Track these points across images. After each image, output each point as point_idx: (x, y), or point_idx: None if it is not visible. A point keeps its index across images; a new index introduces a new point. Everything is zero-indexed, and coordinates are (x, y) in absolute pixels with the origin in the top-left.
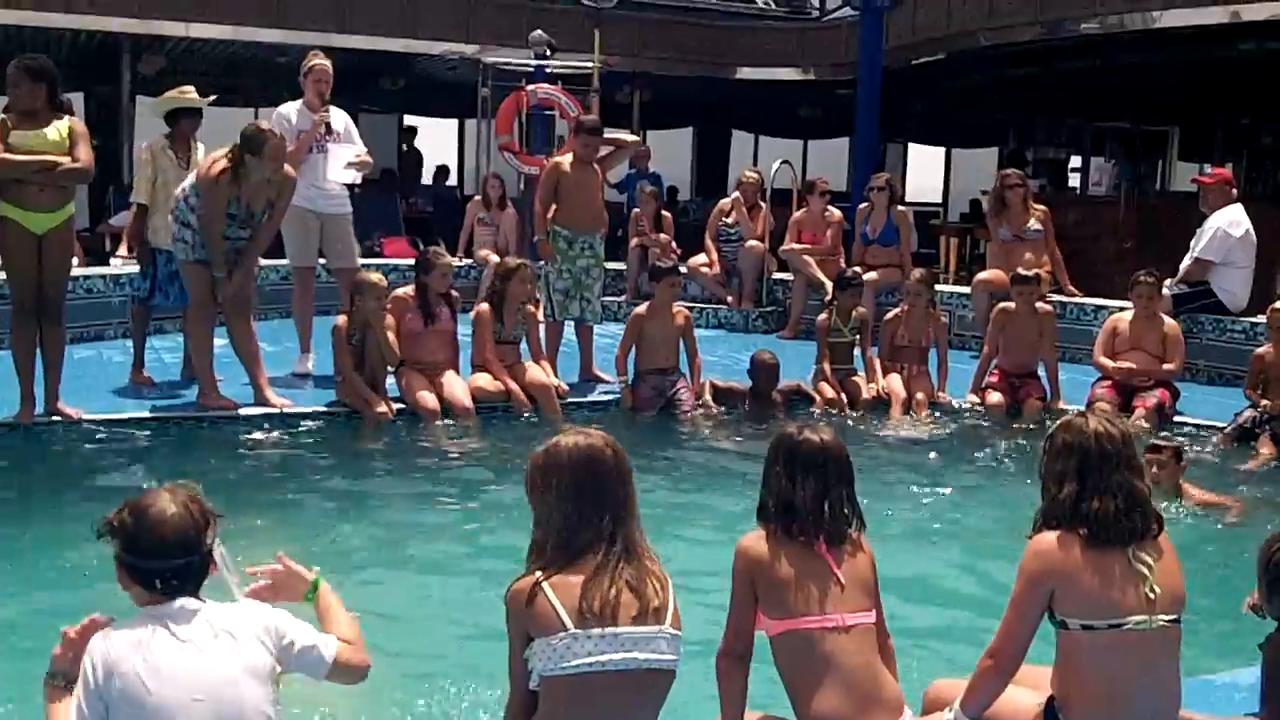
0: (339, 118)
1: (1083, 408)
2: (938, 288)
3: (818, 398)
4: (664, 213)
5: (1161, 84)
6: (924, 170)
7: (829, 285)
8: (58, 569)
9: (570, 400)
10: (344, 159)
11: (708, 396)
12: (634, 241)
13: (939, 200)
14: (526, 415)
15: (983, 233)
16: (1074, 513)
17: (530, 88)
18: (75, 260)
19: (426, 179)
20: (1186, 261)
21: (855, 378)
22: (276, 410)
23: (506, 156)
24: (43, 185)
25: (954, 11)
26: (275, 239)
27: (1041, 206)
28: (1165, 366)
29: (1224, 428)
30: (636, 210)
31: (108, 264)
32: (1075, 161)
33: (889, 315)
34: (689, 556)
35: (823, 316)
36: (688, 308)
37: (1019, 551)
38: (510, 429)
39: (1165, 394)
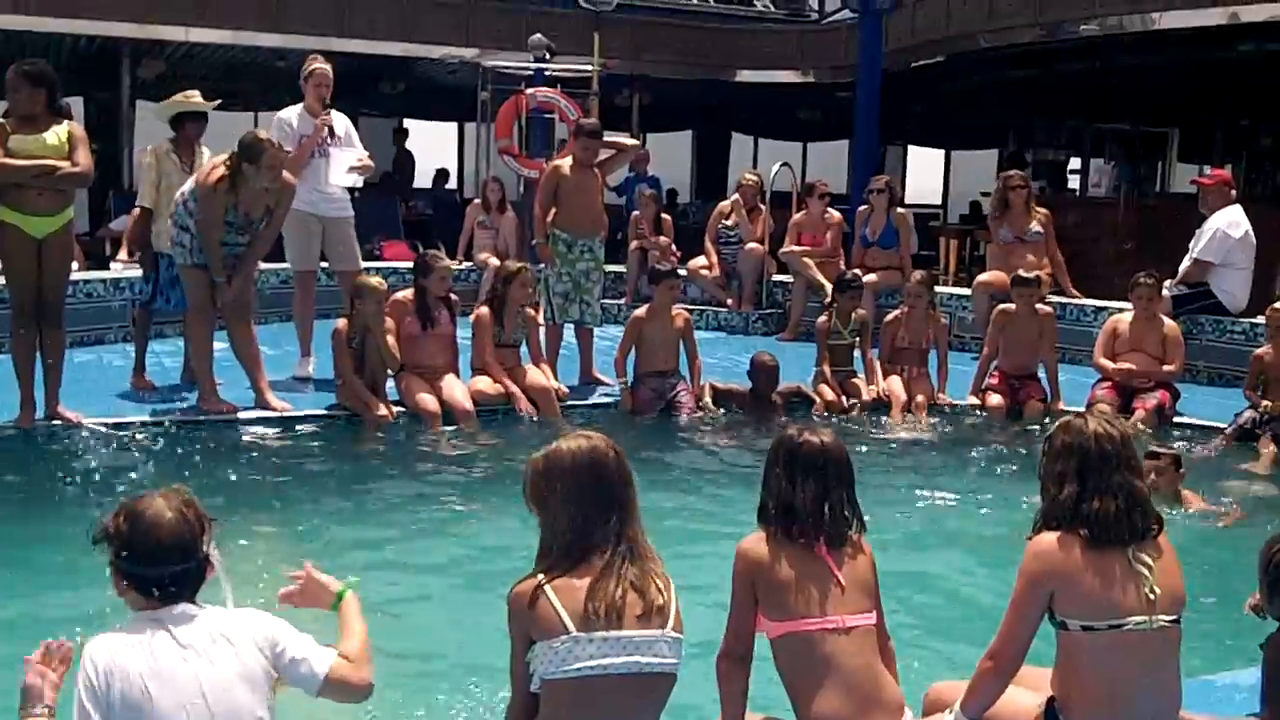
0: (340, 121)
1: (1083, 409)
2: (937, 289)
3: (818, 400)
4: (663, 215)
5: (1161, 86)
6: (923, 172)
7: (829, 287)
8: (59, 572)
9: (570, 403)
10: (346, 163)
11: (707, 399)
12: (633, 244)
13: (938, 202)
14: (527, 416)
15: (982, 234)
16: (1074, 513)
17: (530, 91)
18: (75, 264)
19: (420, 182)
20: (1186, 263)
21: (855, 380)
22: (277, 413)
23: (506, 160)
24: (42, 190)
25: (953, 13)
26: (274, 243)
27: (1044, 209)
28: (1165, 368)
29: (1224, 428)
30: (636, 213)
31: (108, 268)
32: (1075, 163)
33: (889, 317)
34: (689, 558)
35: (822, 319)
36: (687, 310)
37: (1019, 553)
38: (510, 431)
39: (1165, 395)
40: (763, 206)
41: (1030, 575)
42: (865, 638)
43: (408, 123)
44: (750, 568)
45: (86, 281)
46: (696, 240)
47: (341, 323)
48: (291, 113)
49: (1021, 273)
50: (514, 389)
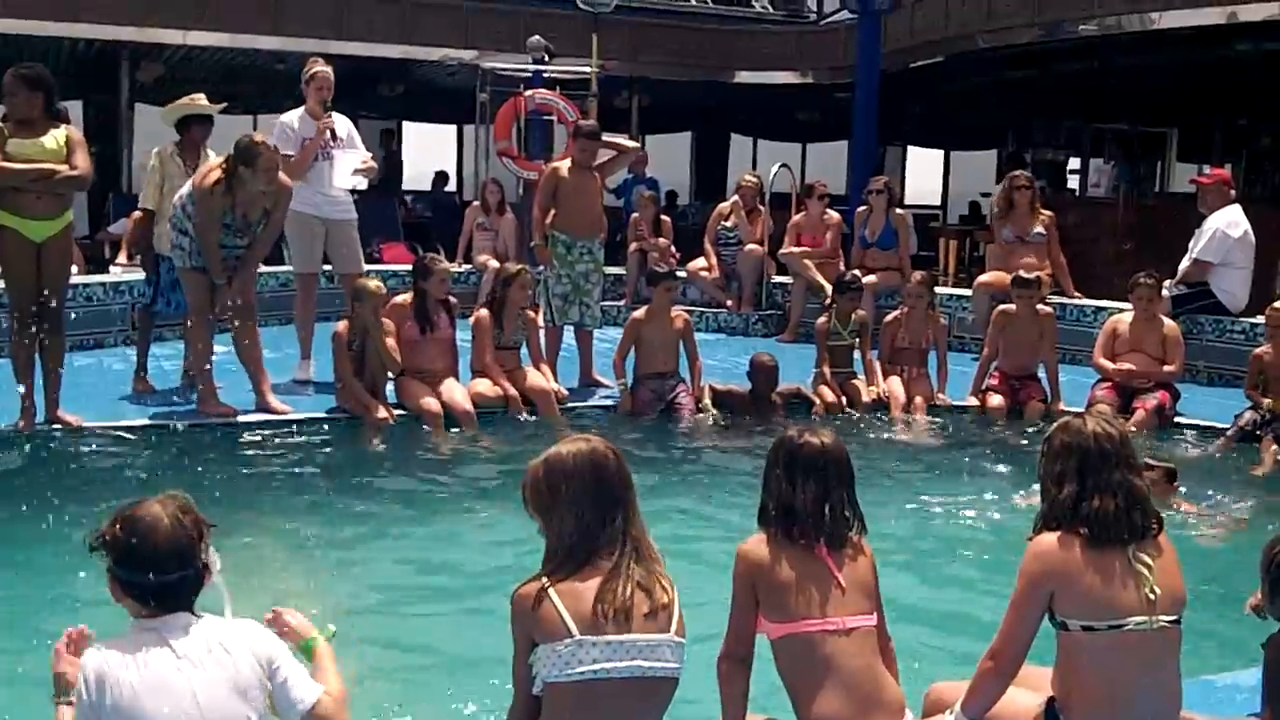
0: (342, 124)
1: (1083, 410)
2: (936, 290)
3: (817, 401)
4: (663, 217)
5: (1160, 85)
6: (923, 173)
7: (828, 288)
8: (59, 575)
9: (570, 405)
10: (349, 165)
11: (707, 400)
12: (633, 246)
13: (938, 203)
14: (527, 418)
15: (982, 235)
16: (1075, 513)
17: (528, 93)
18: (75, 268)
19: (419, 184)
20: (1185, 262)
21: (855, 381)
22: (277, 416)
23: (505, 162)
24: (40, 193)
25: (952, 14)
26: (273, 246)
27: (1048, 211)
28: (1165, 368)
29: (1226, 429)
30: (635, 215)
31: (107, 272)
32: (1074, 163)
33: (889, 318)
34: (689, 560)
35: (822, 320)
36: (687, 312)
37: (1019, 553)
38: (510, 433)
39: (1165, 395)
40: (762, 208)
41: (1030, 575)
42: (866, 639)
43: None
44: (751, 569)
45: (86, 285)
46: (696, 242)
47: (342, 325)
48: (293, 116)
49: (1022, 274)
50: (512, 391)
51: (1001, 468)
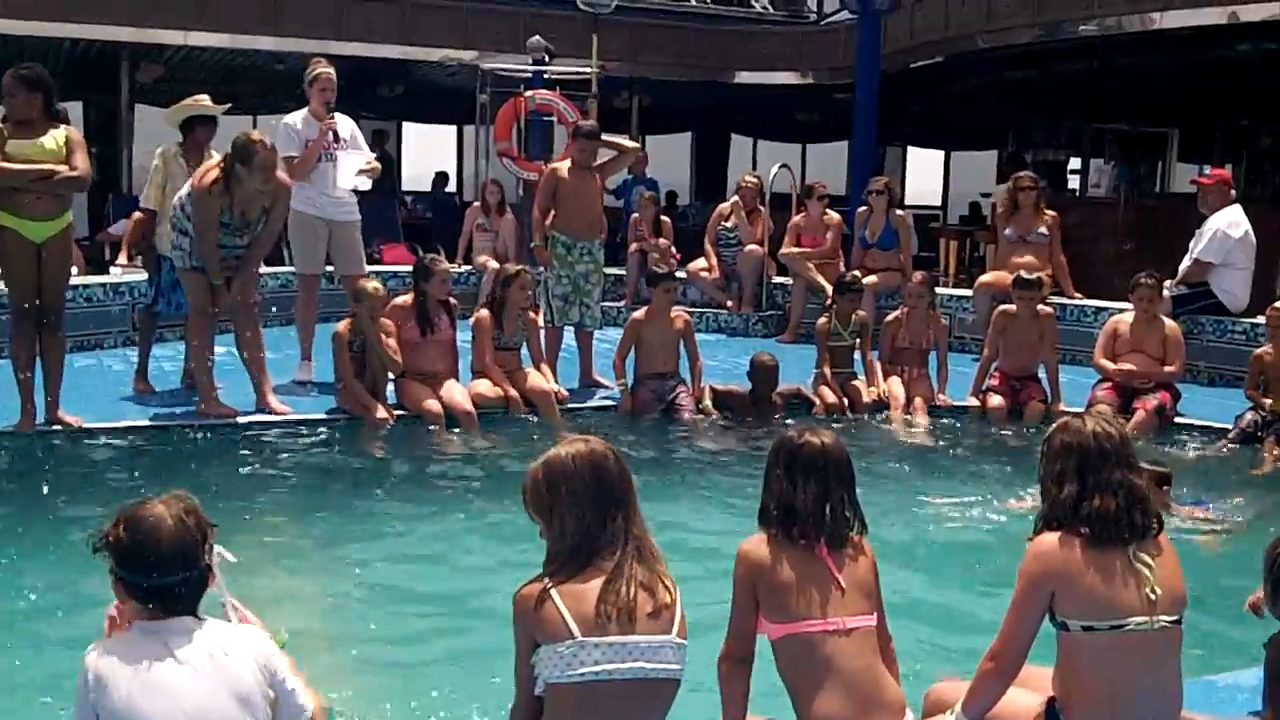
0: (345, 125)
1: (1083, 410)
2: (936, 290)
3: (818, 402)
4: (663, 218)
5: (1160, 86)
6: (923, 173)
7: (828, 289)
8: (58, 577)
9: (570, 405)
10: (353, 166)
11: (707, 401)
12: (633, 246)
13: (938, 203)
14: (527, 418)
15: (983, 235)
16: (1075, 512)
17: (528, 93)
18: (75, 269)
19: (419, 185)
20: (1186, 263)
21: (855, 381)
22: (277, 417)
23: (505, 162)
24: (40, 194)
25: (952, 14)
26: (273, 246)
27: (1052, 212)
28: (1166, 368)
29: (1226, 430)
30: (635, 215)
31: (107, 272)
32: (1074, 163)
33: (889, 318)
34: (690, 560)
35: (822, 320)
36: (687, 312)
37: (1019, 553)
38: (511, 433)
39: (1166, 396)
40: (762, 208)
41: (1031, 576)
42: (866, 639)
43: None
44: (751, 570)
45: (86, 286)
46: (696, 242)
47: (342, 326)
48: (297, 117)
49: (1023, 274)
50: (513, 392)
51: (1001, 468)
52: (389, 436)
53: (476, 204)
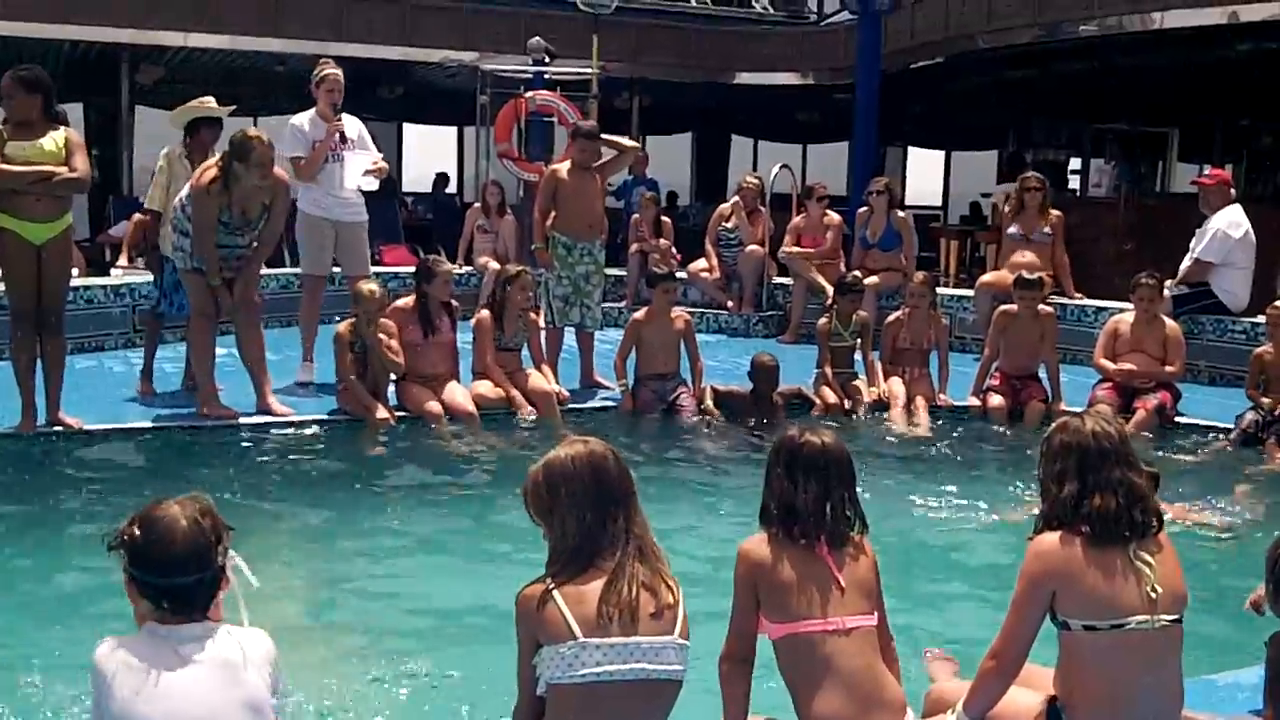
0: (352, 125)
1: (1083, 410)
2: (937, 290)
3: (818, 402)
4: (663, 218)
5: (1160, 85)
6: (923, 173)
7: (829, 289)
8: (59, 578)
9: (571, 406)
10: (360, 166)
11: (708, 401)
12: (633, 247)
13: (938, 203)
14: (529, 419)
15: (983, 235)
16: (1075, 511)
17: (529, 94)
18: (75, 270)
19: (419, 186)
20: (1186, 262)
21: (856, 382)
22: (278, 418)
23: (505, 163)
24: (40, 196)
25: (952, 14)
26: (273, 248)
27: (1057, 212)
28: (1166, 368)
29: (1227, 429)
30: (636, 216)
31: (108, 274)
32: (1075, 163)
33: (890, 318)
34: (690, 560)
35: (823, 320)
36: (688, 313)
37: (1020, 553)
38: (512, 434)
39: (1166, 395)
40: (763, 209)
41: (1031, 575)
42: (866, 639)
43: (405, 126)
44: (752, 570)
45: (87, 288)
46: (696, 243)
47: (343, 326)
48: (304, 118)
49: (1024, 274)
50: (514, 393)
51: (1002, 468)
52: (390, 437)
53: (477, 205)
